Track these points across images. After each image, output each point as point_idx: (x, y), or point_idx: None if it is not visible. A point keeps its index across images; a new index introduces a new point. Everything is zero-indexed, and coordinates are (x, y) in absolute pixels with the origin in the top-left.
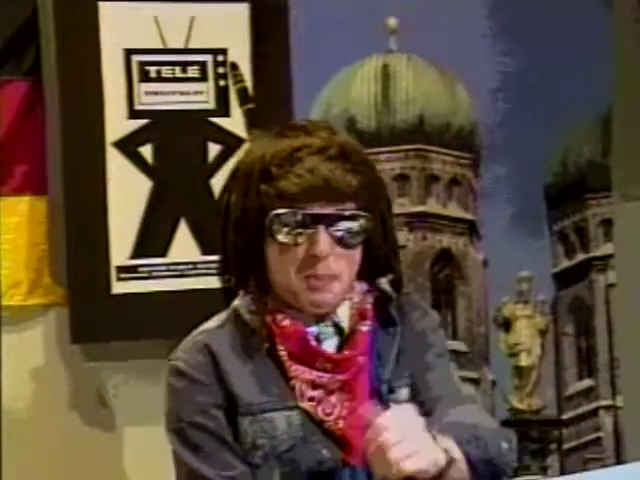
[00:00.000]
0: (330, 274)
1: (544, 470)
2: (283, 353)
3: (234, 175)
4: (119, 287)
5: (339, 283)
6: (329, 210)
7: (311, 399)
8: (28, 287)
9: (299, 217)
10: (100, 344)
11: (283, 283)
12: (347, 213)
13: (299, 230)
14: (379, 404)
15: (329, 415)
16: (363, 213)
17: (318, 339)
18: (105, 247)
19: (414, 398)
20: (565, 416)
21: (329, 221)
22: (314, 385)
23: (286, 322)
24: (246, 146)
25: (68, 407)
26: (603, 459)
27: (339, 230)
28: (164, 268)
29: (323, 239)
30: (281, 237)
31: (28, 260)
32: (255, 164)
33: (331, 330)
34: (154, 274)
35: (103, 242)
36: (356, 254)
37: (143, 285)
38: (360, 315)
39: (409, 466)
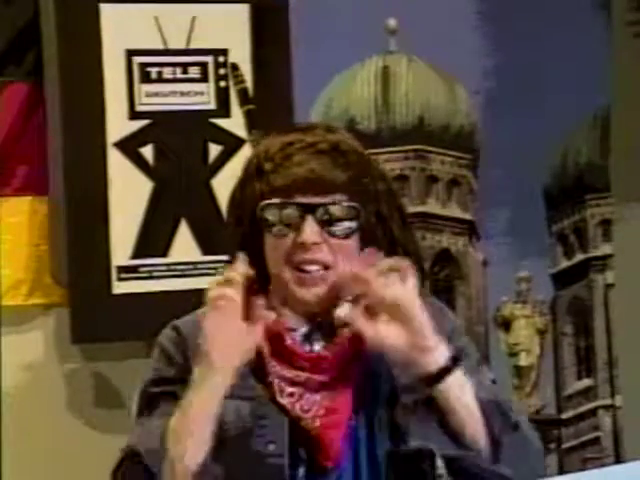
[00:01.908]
0: (319, 263)
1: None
2: (265, 350)
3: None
4: (120, 287)
5: (333, 274)
6: (316, 200)
7: (291, 395)
8: (29, 287)
9: (287, 207)
10: (100, 344)
11: (276, 277)
12: (332, 201)
13: (288, 220)
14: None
15: (306, 412)
16: (351, 203)
17: (310, 340)
18: (106, 247)
19: None
20: (564, 416)
21: (318, 211)
22: (293, 382)
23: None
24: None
25: (68, 407)
26: (602, 458)
27: (327, 218)
28: (164, 268)
29: (309, 227)
30: (270, 228)
31: (29, 260)
32: (251, 162)
33: (324, 332)
34: (154, 274)
35: (104, 242)
36: (351, 245)
37: (143, 285)
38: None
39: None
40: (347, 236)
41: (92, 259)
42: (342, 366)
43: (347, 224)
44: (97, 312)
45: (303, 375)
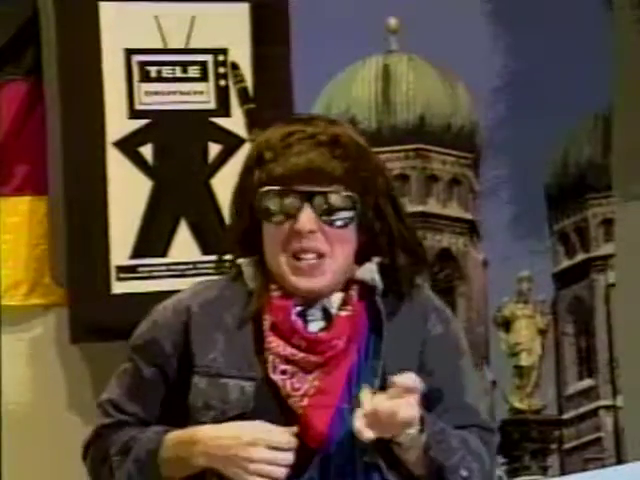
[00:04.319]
0: (315, 251)
1: (544, 470)
2: (266, 322)
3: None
4: (119, 287)
5: (330, 263)
6: (313, 188)
7: (283, 372)
8: (28, 287)
9: (285, 195)
10: (100, 344)
11: (273, 266)
12: (329, 190)
13: (285, 208)
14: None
15: (296, 390)
16: (349, 193)
17: (305, 319)
18: (105, 247)
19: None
20: (565, 416)
21: (315, 200)
22: (287, 360)
23: (276, 293)
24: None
25: (68, 407)
26: (603, 459)
27: (324, 207)
28: (164, 268)
29: (306, 214)
30: (269, 216)
31: (28, 260)
32: (253, 151)
33: (319, 314)
34: (154, 274)
35: (103, 242)
36: (348, 235)
37: (143, 285)
38: (344, 301)
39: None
40: (343, 225)
41: (91, 259)
42: (338, 349)
43: (344, 213)
44: (96, 312)
45: (299, 354)
